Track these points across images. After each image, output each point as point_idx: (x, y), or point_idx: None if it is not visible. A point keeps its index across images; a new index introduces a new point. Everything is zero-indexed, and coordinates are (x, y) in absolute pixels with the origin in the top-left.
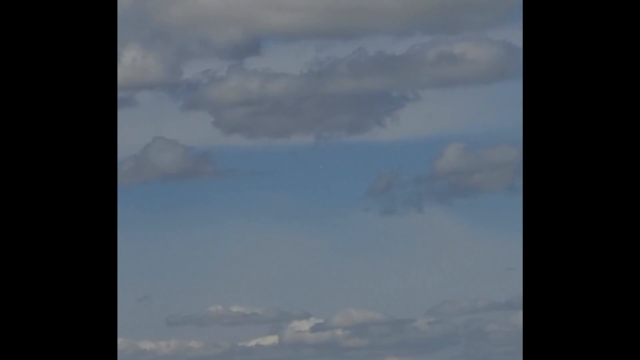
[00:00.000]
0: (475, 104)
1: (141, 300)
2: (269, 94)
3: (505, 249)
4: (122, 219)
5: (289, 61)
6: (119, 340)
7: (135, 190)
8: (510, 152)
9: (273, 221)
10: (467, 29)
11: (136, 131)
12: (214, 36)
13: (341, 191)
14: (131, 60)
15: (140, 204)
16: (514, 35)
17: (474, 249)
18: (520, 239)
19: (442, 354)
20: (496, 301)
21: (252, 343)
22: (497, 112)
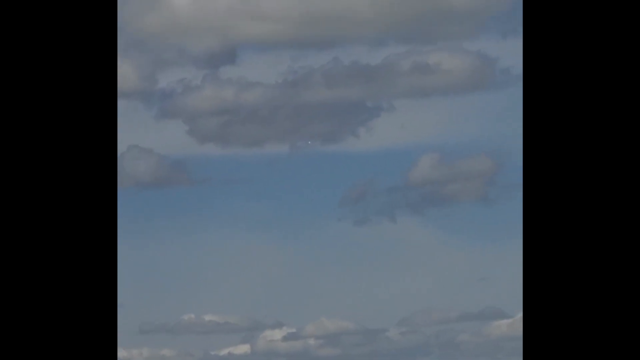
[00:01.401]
0: (450, 114)
1: None
2: (243, 103)
3: (478, 259)
4: None
5: (264, 70)
6: None
7: None
8: (484, 163)
9: (246, 230)
10: (442, 39)
11: None
12: (190, 45)
13: (315, 201)
14: None
15: None
16: (489, 46)
17: (447, 259)
18: (493, 249)
19: None
20: (468, 311)
21: (225, 352)
22: (471, 123)
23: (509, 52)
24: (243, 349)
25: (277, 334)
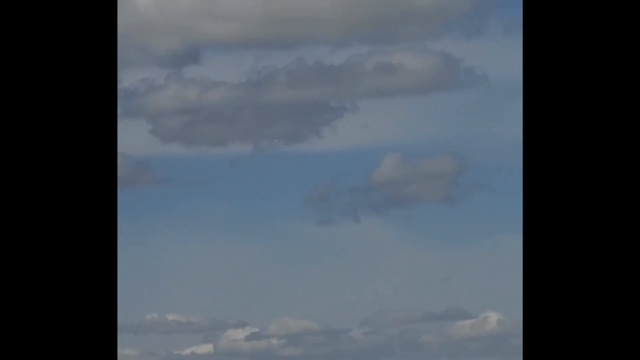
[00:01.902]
0: (414, 114)
1: None
2: (206, 102)
3: (441, 259)
4: None
5: (228, 70)
6: None
7: None
8: (447, 163)
9: (210, 230)
10: (405, 39)
11: None
12: (154, 45)
13: (278, 201)
14: None
15: None
16: (453, 46)
17: (410, 259)
18: (456, 249)
19: None
20: (431, 312)
21: (188, 351)
22: (434, 123)
23: (473, 53)
24: (206, 348)
25: (240, 334)
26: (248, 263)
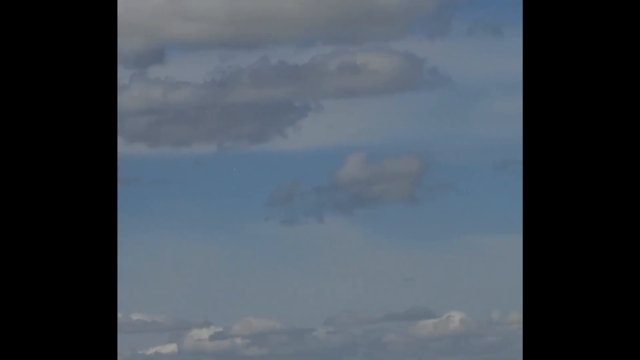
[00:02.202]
0: (378, 114)
1: None
2: (171, 102)
3: (405, 259)
4: None
5: (192, 70)
6: None
7: None
8: (411, 163)
9: (174, 229)
10: (369, 39)
11: None
12: (118, 44)
13: (242, 200)
14: None
15: None
16: (416, 47)
17: (374, 259)
18: (419, 249)
19: None
20: (395, 311)
21: (152, 351)
22: (399, 123)
23: (436, 53)
24: (170, 348)
25: (204, 333)
26: (212, 263)
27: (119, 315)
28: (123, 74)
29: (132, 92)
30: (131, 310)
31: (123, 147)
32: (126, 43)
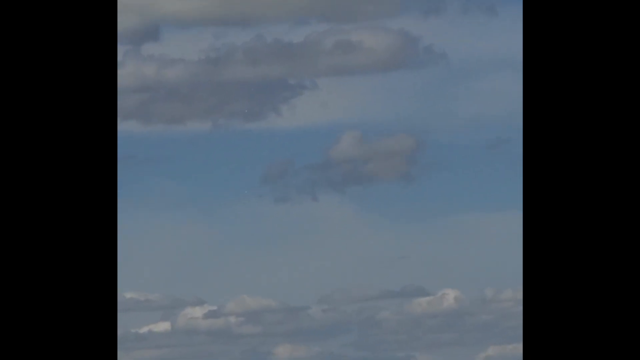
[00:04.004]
0: (372, 92)
1: None
2: (164, 80)
3: (399, 237)
4: None
5: (186, 47)
6: None
7: None
8: (405, 141)
9: (168, 207)
10: (363, 17)
11: None
12: None
13: (236, 178)
14: None
15: None
16: (411, 25)
17: (368, 237)
18: (413, 227)
19: (335, 342)
20: (389, 289)
21: (145, 329)
22: (393, 101)
23: (431, 31)
24: (163, 326)
25: (198, 312)
26: (206, 241)
27: None
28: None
29: (125, 69)
30: (124, 289)
31: None
32: (121, 20)
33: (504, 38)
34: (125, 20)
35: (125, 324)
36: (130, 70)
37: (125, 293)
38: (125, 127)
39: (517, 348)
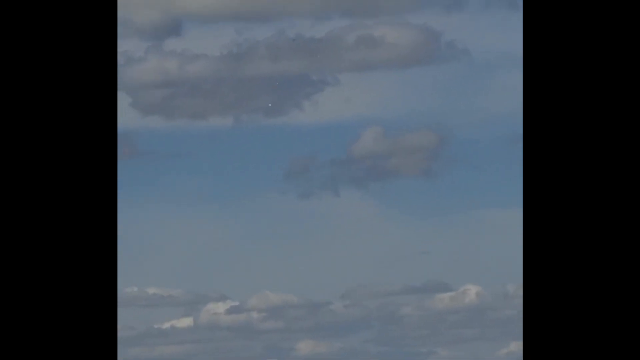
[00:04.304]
0: (395, 88)
1: None
2: (187, 75)
3: (421, 233)
4: None
5: (208, 43)
6: None
7: None
8: (428, 137)
9: (191, 203)
10: (386, 12)
11: None
12: (135, 17)
13: (259, 174)
14: None
15: None
16: (434, 20)
17: (389, 232)
18: (435, 223)
19: (356, 337)
20: (410, 285)
21: (168, 325)
22: (416, 97)
23: (453, 26)
24: (186, 322)
25: (221, 307)
26: (228, 236)
27: (135, 289)
28: (139, 47)
29: (148, 65)
30: (147, 284)
31: (138, 120)
32: (143, 15)
33: None
34: (148, 15)
35: (148, 320)
36: (153, 65)
37: (148, 289)
38: (148, 123)
39: None
